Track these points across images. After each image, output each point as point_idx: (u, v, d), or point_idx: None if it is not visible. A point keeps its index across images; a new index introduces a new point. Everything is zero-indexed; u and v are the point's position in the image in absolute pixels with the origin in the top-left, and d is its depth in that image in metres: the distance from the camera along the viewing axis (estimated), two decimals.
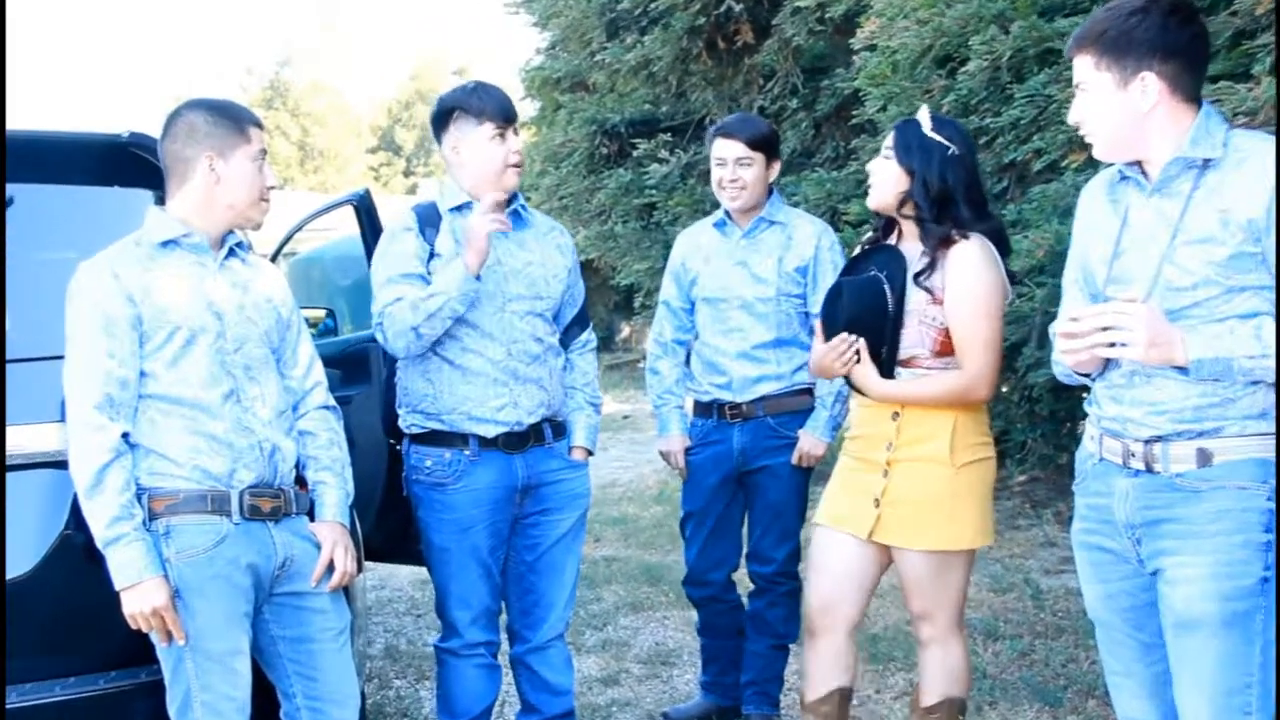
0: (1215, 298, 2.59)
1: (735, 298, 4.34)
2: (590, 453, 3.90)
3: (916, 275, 3.41)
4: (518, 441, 3.68)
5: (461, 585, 3.70)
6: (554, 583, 3.81)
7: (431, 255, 3.65)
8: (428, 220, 3.70)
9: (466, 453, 3.65)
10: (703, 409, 4.45)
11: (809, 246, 4.33)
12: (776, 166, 4.37)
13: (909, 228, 3.49)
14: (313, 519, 3.18)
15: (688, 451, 4.44)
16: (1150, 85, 2.64)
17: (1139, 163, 2.72)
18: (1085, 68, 2.70)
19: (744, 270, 4.34)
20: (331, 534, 3.14)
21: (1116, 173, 2.79)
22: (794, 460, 4.31)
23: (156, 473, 2.95)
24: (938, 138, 3.41)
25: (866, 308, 3.44)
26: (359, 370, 4.51)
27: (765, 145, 4.31)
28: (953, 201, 3.40)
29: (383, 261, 3.67)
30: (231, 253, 3.13)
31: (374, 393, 4.31)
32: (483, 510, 3.67)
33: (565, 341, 3.89)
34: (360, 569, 3.39)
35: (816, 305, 4.27)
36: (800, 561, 4.42)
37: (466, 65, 56.48)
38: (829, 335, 3.52)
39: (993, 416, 5.94)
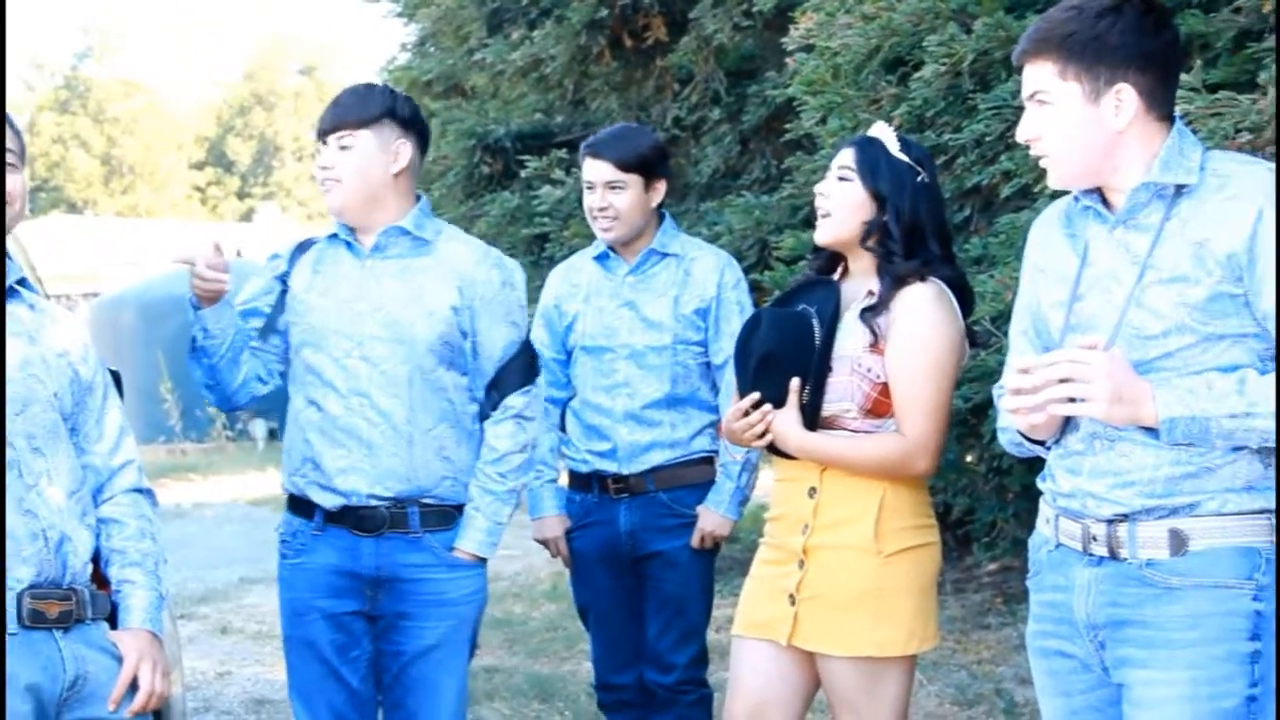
0: (1190, 347, 2.63)
1: (622, 346, 4.36)
2: (481, 558, 3.78)
3: (863, 310, 3.43)
4: (368, 522, 3.67)
5: (300, 682, 3.73)
6: (426, 703, 3.75)
7: (285, 286, 3.75)
8: (302, 246, 3.83)
9: (311, 524, 3.71)
10: (580, 481, 4.47)
11: (709, 284, 4.36)
12: (661, 188, 4.39)
13: (862, 265, 3.52)
14: (115, 626, 3.13)
15: (568, 535, 4.46)
16: (1126, 99, 2.67)
17: (1098, 190, 2.77)
18: (1045, 76, 2.71)
19: (632, 313, 4.37)
20: (137, 645, 3.06)
21: (1073, 201, 2.83)
22: (694, 542, 4.34)
23: None
24: (906, 160, 3.47)
25: (788, 343, 3.45)
26: None
27: (642, 165, 4.33)
28: (922, 238, 3.45)
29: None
30: (13, 293, 3.08)
31: None
32: (317, 596, 3.69)
33: (484, 407, 3.81)
34: (176, 687, 3.34)
35: (719, 355, 4.32)
36: (708, 665, 4.45)
37: (316, 63, 56.43)
38: (740, 373, 3.54)
39: (956, 492, 6.03)
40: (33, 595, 2.93)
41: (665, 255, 4.40)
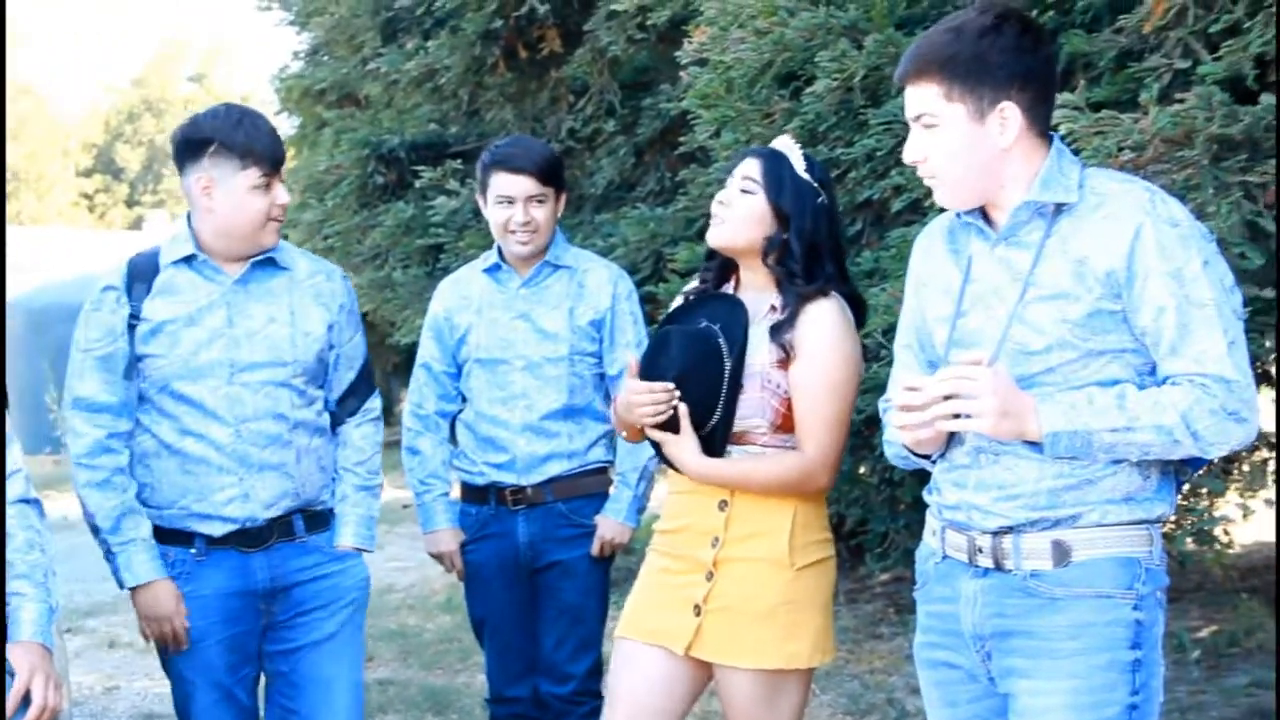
0: (1071, 362, 2.71)
1: (518, 358, 4.39)
2: (363, 550, 3.87)
3: (774, 327, 3.45)
4: (254, 538, 3.68)
5: (194, 710, 3.70)
6: (321, 702, 3.76)
7: (135, 321, 3.67)
8: (139, 274, 3.71)
9: (192, 551, 3.68)
10: (476, 494, 4.48)
11: (604, 295, 4.42)
12: (564, 200, 4.48)
13: (757, 278, 3.54)
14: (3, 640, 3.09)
15: (463, 548, 4.47)
16: (1010, 117, 2.73)
17: (981, 207, 2.83)
18: (930, 98, 2.75)
19: (527, 325, 4.40)
20: (28, 658, 3.04)
21: (955, 217, 2.90)
22: (595, 551, 4.38)
23: None
24: (810, 181, 3.50)
25: (699, 364, 3.44)
26: None
27: (557, 177, 4.40)
28: (819, 258, 3.49)
29: (80, 331, 3.73)
30: None
31: None
32: (212, 621, 3.67)
33: (340, 414, 3.88)
34: (66, 701, 3.30)
35: (614, 365, 4.38)
36: (603, 676, 4.47)
37: (207, 70, 55.79)
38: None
39: (850, 504, 6.09)
40: None
41: (558, 267, 4.43)
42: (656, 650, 3.52)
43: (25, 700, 3.02)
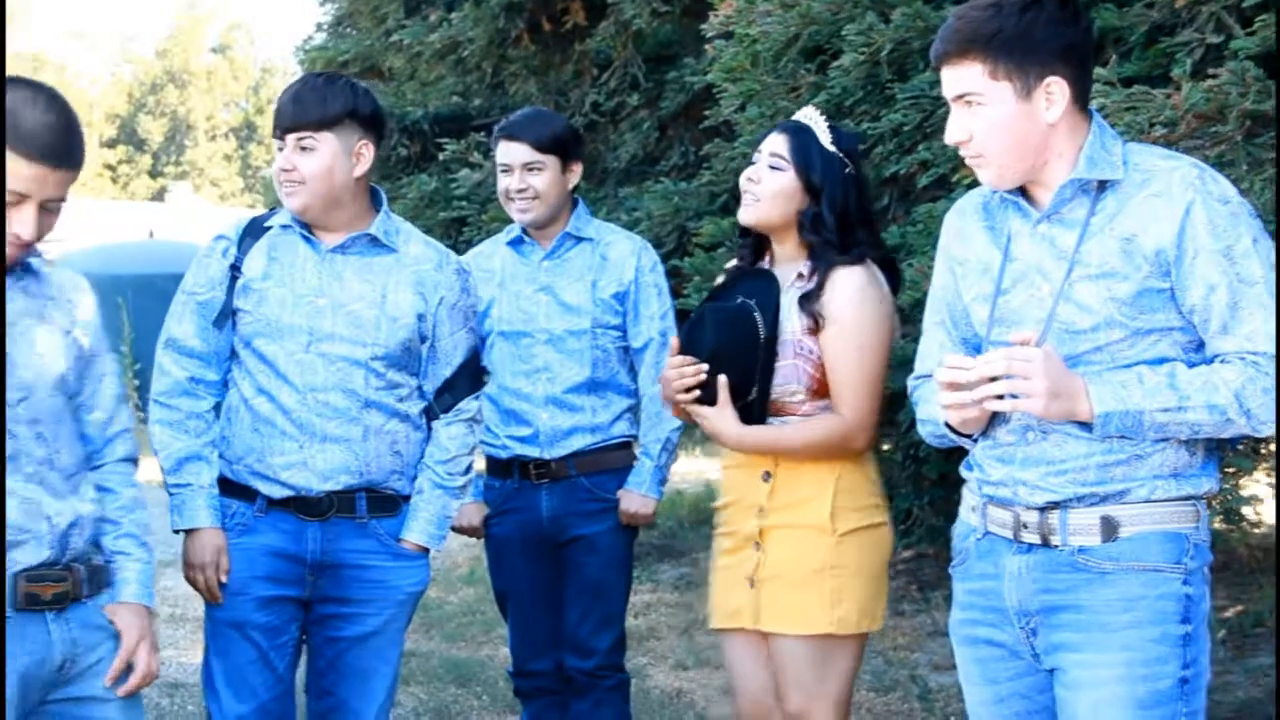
0: (1118, 341, 2.69)
1: (541, 331, 4.38)
2: (425, 549, 3.78)
3: (802, 297, 3.49)
4: (314, 508, 3.66)
5: (226, 666, 3.67)
6: (357, 691, 3.75)
7: (237, 274, 3.67)
8: (253, 230, 3.74)
9: (253, 507, 3.66)
10: (500, 468, 4.48)
11: (627, 268, 4.41)
12: (576, 170, 4.43)
13: (788, 250, 3.58)
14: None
15: (487, 521, 4.46)
16: (1057, 92, 2.70)
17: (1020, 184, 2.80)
18: (974, 77, 2.71)
19: (550, 297, 4.39)
20: (137, 623, 3.04)
21: (991, 193, 2.87)
22: (623, 521, 4.38)
23: None
24: (837, 152, 3.53)
25: (734, 339, 3.49)
26: None
27: (558, 146, 4.37)
28: (851, 228, 3.53)
29: (189, 274, 3.76)
30: (26, 267, 3.01)
31: None
32: (256, 575, 3.64)
33: (435, 408, 3.81)
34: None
35: (638, 338, 4.37)
36: (626, 650, 4.49)
37: (230, 41, 55.85)
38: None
39: None
40: (28, 579, 2.88)
41: (580, 239, 4.43)
42: (738, 634, 3.61)
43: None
